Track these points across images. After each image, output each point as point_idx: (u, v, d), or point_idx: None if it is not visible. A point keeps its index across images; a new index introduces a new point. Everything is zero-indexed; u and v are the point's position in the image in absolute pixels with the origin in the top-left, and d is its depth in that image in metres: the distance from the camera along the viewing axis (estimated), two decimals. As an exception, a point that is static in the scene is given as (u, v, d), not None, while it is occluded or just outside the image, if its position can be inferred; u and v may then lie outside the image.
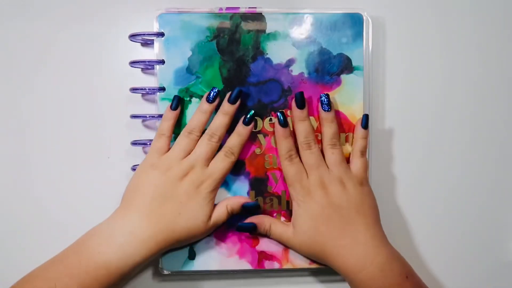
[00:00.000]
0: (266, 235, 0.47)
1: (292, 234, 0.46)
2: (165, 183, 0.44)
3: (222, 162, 0.46)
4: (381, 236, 0.45)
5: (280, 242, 0.47)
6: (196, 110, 0.46)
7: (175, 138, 0.46)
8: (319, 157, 0.46)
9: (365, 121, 0.47)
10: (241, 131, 0.46)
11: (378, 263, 0.43)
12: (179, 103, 0.46)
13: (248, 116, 0.46)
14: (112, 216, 0.44)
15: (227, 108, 0.46)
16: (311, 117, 0.47)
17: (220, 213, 0.46)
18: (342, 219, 0.44)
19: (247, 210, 0.47)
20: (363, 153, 0.47)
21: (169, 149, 0.46)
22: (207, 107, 0.46)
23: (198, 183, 0.45)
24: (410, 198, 0.51)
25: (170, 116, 0.46)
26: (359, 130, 0.47)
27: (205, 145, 0.45)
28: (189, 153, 0.45)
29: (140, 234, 0.42)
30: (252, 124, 0.47)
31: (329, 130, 0.46)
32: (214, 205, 0.46)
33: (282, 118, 0.46)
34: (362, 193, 0.45)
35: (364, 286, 0.43)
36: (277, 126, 0.46)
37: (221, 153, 0.46)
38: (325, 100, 0.46)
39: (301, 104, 0.46)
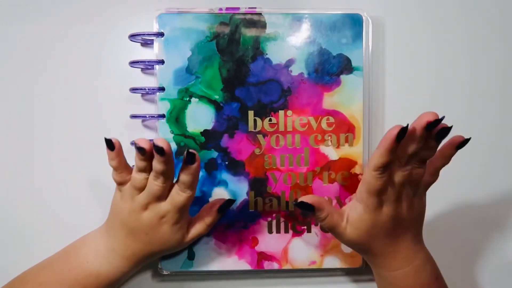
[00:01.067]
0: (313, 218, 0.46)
1: (344, 230, 0.43)
2: (129, 213, 0.42)
3: (179, 197, 0.42)
4: (420, 239, 0.45)
5: (327, 230, 0.45)
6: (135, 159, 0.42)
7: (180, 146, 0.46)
8: (409, 176, 0.42)
9: (463, 144, 0.42)
10: (188, 170, 0.41)
11: (415, 265, 0.43)
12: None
13: (186, 156, 0.40)
14: (99, 229, 0.45)
15: (159, 167, 0.40)
16: (310, 117, 0.47)
17: (199, 230, 0.46)
18: (399, 229, 0.43)
19: (224, 210, 0.46)
20: (438, 171, 0.43)
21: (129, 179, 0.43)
22: (140, 161, 0.41)
23: (159, 215, 0.43)
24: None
25: (112, 156, 0.42)
26: (450, 149, 0.42)
27: (152, 185, 0.42)
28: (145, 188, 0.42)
29: (122, 252, 0.43)
30: (198, 161, 0.41)
31: (427, 154, 0.41)
32: (192, 218, 0.46)
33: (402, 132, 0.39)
34: (422, 206, 0.44)
35: (394, 281, 0.43)
36: (392, 136, 0.39)
37: (176, 188, 0.42)
38: (446, 132, 0.41)
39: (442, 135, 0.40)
